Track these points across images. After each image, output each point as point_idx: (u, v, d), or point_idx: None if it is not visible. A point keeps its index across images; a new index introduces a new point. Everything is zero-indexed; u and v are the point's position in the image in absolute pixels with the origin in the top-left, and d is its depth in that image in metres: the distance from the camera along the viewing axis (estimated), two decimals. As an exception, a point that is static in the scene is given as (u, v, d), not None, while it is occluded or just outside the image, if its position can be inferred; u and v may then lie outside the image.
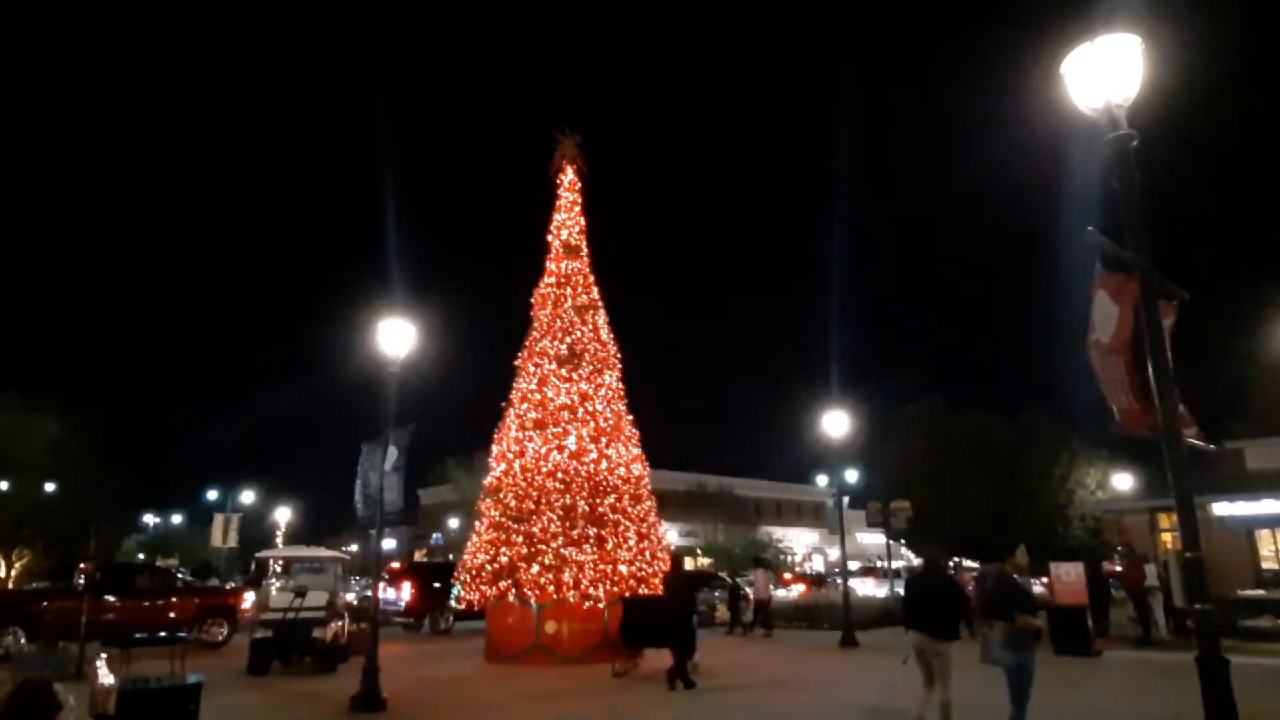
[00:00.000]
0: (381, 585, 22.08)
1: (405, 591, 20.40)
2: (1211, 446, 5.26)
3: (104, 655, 4.91)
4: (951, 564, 35.14)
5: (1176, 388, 4.79)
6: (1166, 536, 19.98)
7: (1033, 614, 6.97)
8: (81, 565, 16.87)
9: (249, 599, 17.73)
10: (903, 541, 30.88)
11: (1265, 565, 19.26)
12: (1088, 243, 4.88)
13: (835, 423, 18.40)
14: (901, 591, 8.12)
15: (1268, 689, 9.73)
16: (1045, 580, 16.72)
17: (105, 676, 4.46)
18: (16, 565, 33.45)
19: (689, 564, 43.24)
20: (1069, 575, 14.99)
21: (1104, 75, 5.15)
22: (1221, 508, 19.25)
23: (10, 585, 29.78)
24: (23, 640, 14.50)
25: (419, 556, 46.17)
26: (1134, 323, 4.74)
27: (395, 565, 24.83)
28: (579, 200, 16.65)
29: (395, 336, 10.50)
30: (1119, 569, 18.02)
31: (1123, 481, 30.49)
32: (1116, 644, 15.11)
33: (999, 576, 7.45)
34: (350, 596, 21.43)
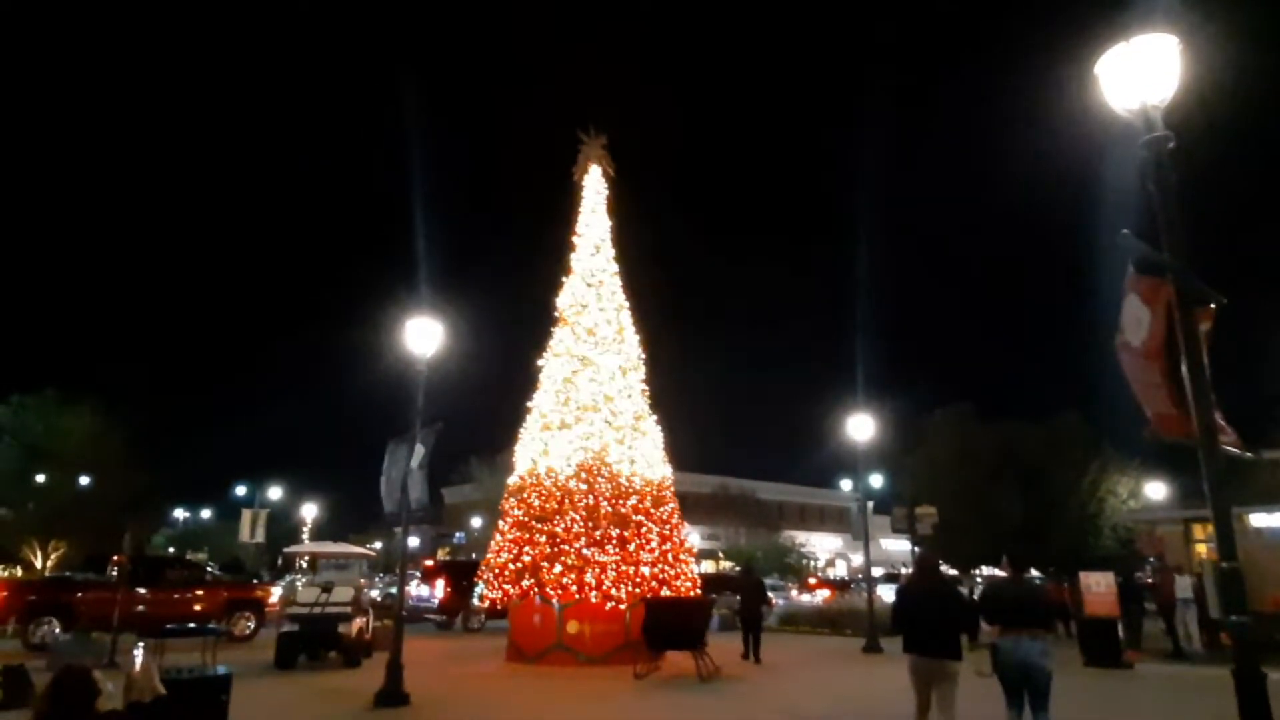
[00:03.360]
0: (414, 582, 22.50)
1: (439, 589, 20.69)
2: (1249, 454, 5.14)
3: (141, 644, 5.00)
4: (979, 573, 34.69)
5: (1213, 394, 4.69)
6: (1201, 548, 19.54)
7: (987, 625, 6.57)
8: (115, 558, 17.23)
9: (276, 593, 18.01)
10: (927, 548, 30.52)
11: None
12: (1121, 245, 4.79)
13: (861, 427, 18.27)
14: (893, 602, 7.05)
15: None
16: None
17: (147, 665, 4.55)
18: (52, 556, 34.25)
19: (710, 567, 43.08)
20: (1099, 585, 14.72)
21: (1140, 76, 5.06)
22: (1259, 519, 18.79)
23: (46, 576, 30.42)
24: (58, 630, 14.84)
25: (443, 555, 46.53)
26: (1167, 327, 4.65)
27: (429, 563, 25.15)
28: (605, 201, 16.71)
29: (423, 335, 10.60)
30: (1150, 581, 17.66)
31: (1156, 490, 29.92)
32: (1147, 657, 14.82)
33: (1025, 583, 7.24)
34: (375, 593, 21.67)
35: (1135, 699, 10.66)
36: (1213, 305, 4.96)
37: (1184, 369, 4.62)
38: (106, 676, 4.14)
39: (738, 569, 28.52)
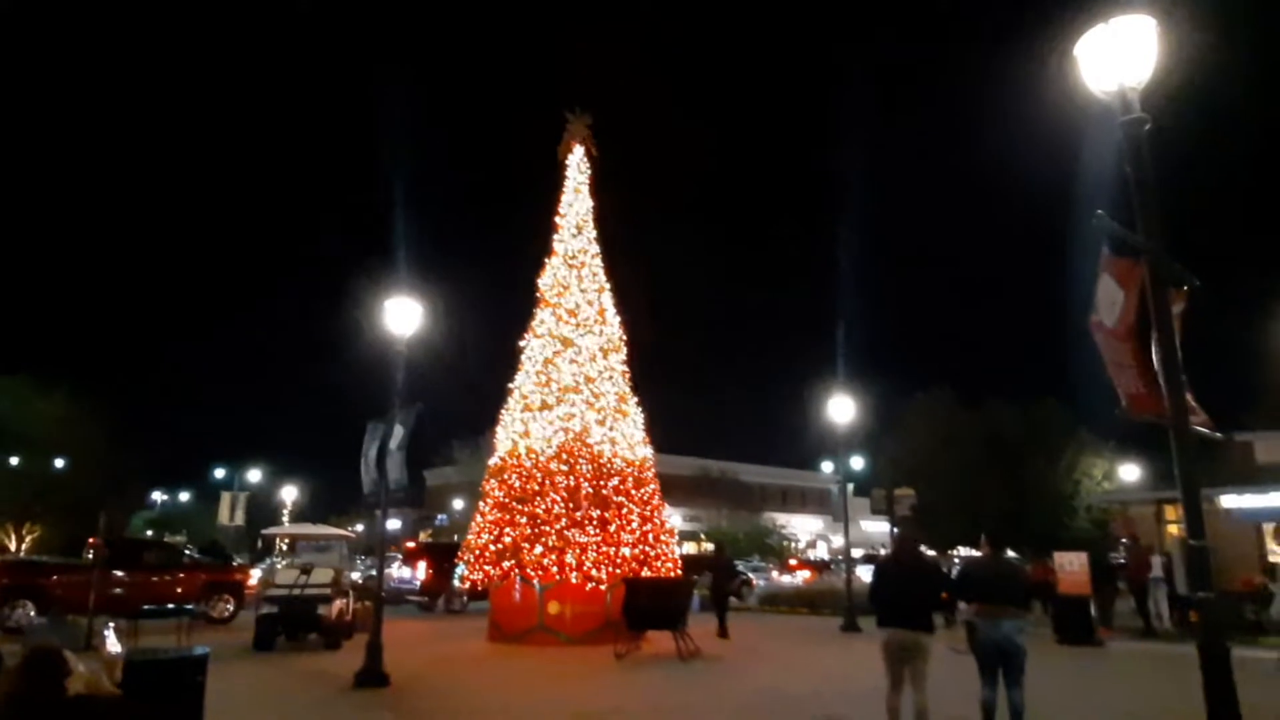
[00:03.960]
0: (396, 564, 22.47)
1: (421, 570, 20.69)
2: (1219, 435, 5.21)
3: (111, 625, 4.94)
4: (959, 553, 35.17)
5: (1185, 376, 4.75)
6: (1173, 528, 19.94)
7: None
8: (90, 540, 17.06)
9: (255, 575, 17.91)
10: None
11: (1272, 559, 19.21)
12: (1096, 226, 4.82)
13: (841, 409, 18.38)
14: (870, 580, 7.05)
15: (1273, 682, 9.73)
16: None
17: (113, 646, 4.51)
18: (27, 539, 33.89)
19: (692, 549, 43.37)
20: (1072, 565, 14.98)
21: (1118, 58, 5.07)
22: (1230, 500, 19.19)
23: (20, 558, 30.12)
24: (32, 613, 14.68)
25: (424, 537, 46.53)
26: (1139, 308, 4.69)
27: (411, 545, 25.11)
28: (588, 181, 16.59)
29: (402, 315, 10.51)
30: (1123, 560, 18.00)
31: (1129, 473, 30.45)
32: (1119, 635, 15.12)
33: (1003, 563, 7.32)
34: (356, 575, 21.64)
35: (1106, 675, 10.88)
36: (1186, 287, 5.02)
37: (1156, 350, 4.68)
38: (81, 661, 4.10)
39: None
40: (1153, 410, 4.66)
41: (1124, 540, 19.69)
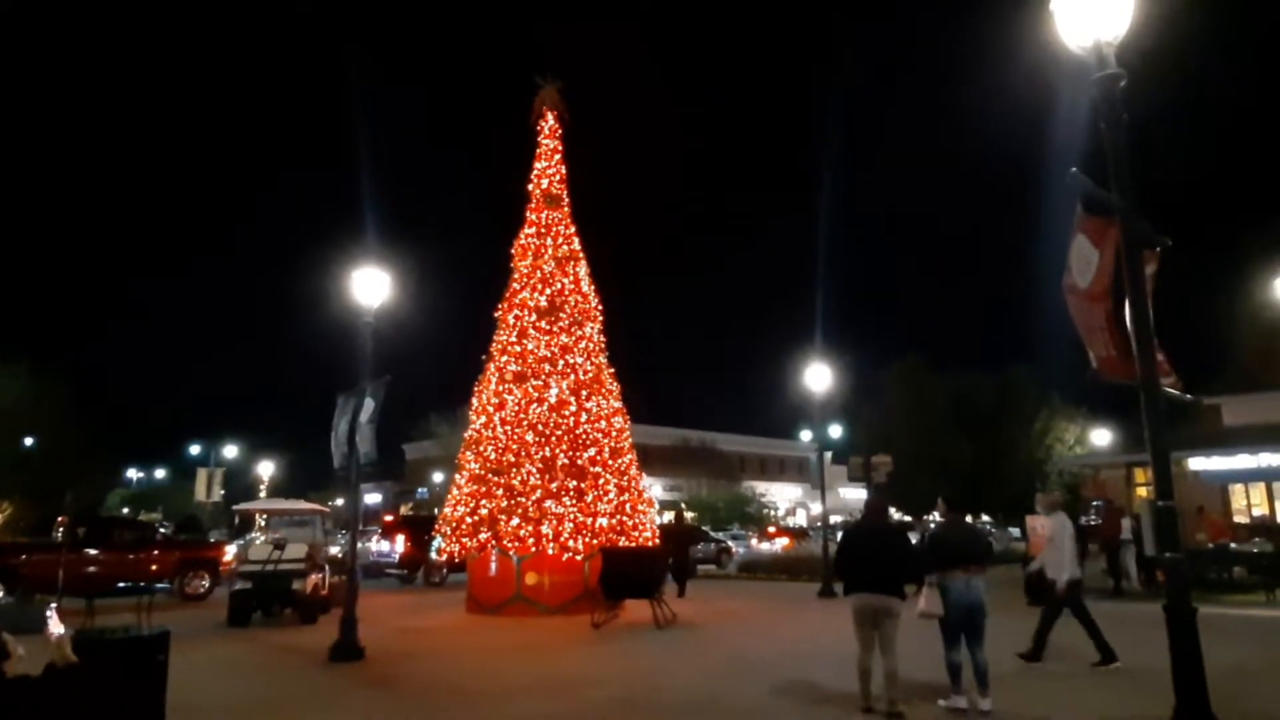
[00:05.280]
0: (375, 538, 22.38)
1: (399, 544, 20.63)
2: (1189, 397, 5.21)
3: (53, 606, 4.79)
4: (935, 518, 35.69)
5: (1156, 338, 4.71)
6: (1142, 490, 20.28)
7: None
8: (59, 519, 16.77)
9: (230, 552, 17.72)
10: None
11: (1238, 519, 19.63)
12: (1070, 184, 4.74)
13: (818, 378, 18.42)
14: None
15: (1235, 639, 9.94)
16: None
17: (56, 627, 4.38)
18: (-1, 518, 33.35)
19: (672, 518, 43.61)
20: (1043, 528, 15.16)
21: (1093, 12, 4.97)
22: (1198, 462, 19.52)
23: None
24: (0, 593, 14.43)
25: (405, 510, 46.49)
26: (1114, 269, 4.64)
27: (389, 518, 24.95)
28: (560, 149, 16.28)
29: (369, 286, 10.30)
30: (1094, 521, 18.29)
31: (1100, 437, 30.93)
32: (1088, 595, 15.37)
33: (964, 525, 7.37)
34: (336, 549, 21.54)
35: (1075, 634, 11.06)
36: (1158, 248, 4.97)
37: (1129, 312, 4.63)
38: (21, 643, 3.97)
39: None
40: (1124, 374, 4.63)
41: (1097, 502, 20.03)
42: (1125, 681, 7.81)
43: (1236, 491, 20.31)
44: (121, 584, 13.96)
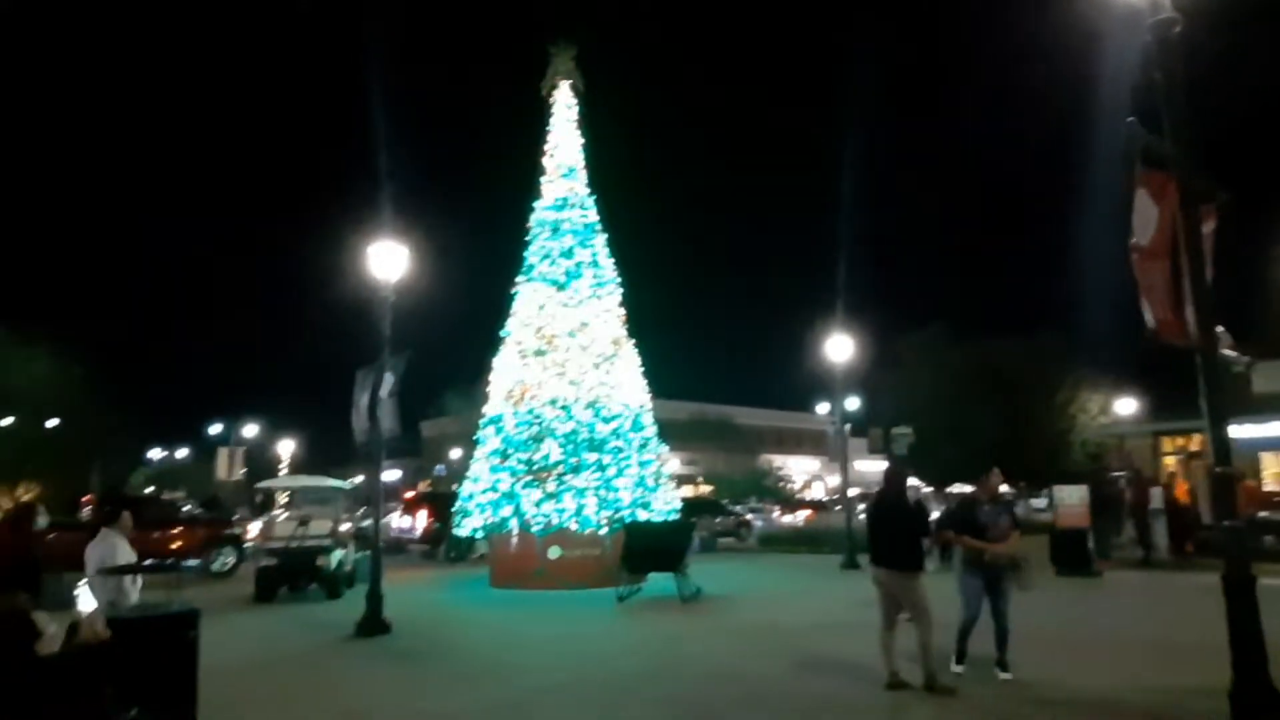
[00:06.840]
0: (397, 514, 22.51)
1: (421, 519, 20.73)
2: (1248, 358, 5.01)
3: (83, 583, 4.76)
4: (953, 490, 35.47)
5: (1213, 298, 4.50)
6: (1169, 459, 19.99)
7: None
8: (84, 498, 16.94)
9: (254, 528, 17.88)
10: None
11: (1268, 487, 19.30)
12: (1127, 135, 4.50)
13: (838, 349, 18.14)
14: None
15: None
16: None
17: (87, 603, 4.33)
18: (27, 498, 33.85)
19: (690, 491, 43.81)
20: (1071, 498, 14.96)
21: (1148, -47, 4.69)
22: (1230, 430, 19.16)
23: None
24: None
25: (423, 487, 46.79)
26: (1173, 226, 4.41)
27: (410, 495, 25.07)
28: (576, 118, 15.99)
29: (387, 260, 10.18)
30: (1125, 491, 17.99)
31: (1126, 406, 30.38)
32: (1117, 565, 15.20)
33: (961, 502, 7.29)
34: (346, 526, 21.75)
35: (1104, 603, 10.92)
36: (1217, 206, 4.72)
37: (1186, 270, 4.42)
38: (54, 619, 3.91)
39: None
40: (1182, 337, 4.43)
41: (1124, 472, 19.70)
42: (1167, 654, 7.65)
43: (1268, 460, 19.96)
44: (149, 561, 14.05)
